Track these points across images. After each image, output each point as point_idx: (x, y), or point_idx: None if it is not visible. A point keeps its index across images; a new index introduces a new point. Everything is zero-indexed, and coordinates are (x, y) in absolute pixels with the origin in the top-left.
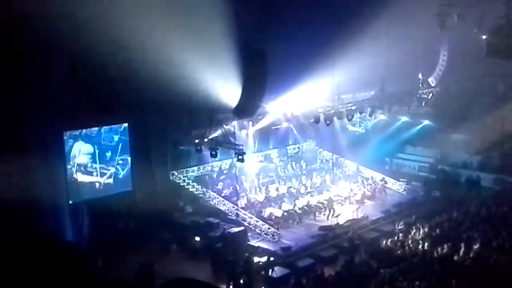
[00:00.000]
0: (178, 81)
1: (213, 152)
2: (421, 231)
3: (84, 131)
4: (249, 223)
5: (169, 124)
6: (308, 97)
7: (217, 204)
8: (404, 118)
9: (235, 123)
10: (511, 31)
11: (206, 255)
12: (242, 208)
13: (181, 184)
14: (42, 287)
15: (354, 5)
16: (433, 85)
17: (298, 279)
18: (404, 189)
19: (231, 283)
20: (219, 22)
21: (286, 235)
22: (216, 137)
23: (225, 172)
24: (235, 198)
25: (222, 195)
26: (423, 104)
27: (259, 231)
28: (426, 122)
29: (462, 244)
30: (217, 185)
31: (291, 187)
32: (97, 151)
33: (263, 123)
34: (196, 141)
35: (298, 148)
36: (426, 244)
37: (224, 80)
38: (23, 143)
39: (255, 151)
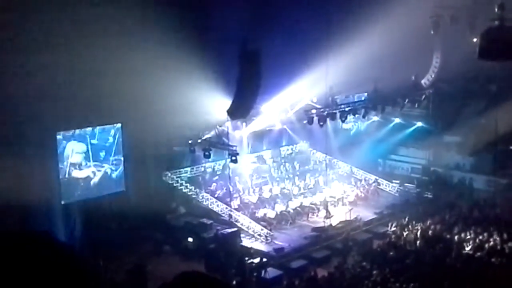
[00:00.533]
0: (171, 81)
1: (207, 153)
2: (414, 233)
3: (77, 131)
4: (242, 224)
5: (162, 125)
6: (302, 98)
7: (210, 205)
8: (397, 120)
9: (228, 124)
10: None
11: (199, 256)
12: (235, 209)
13: (174, 185)
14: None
15: (348, 6)
16: (426, 86)
17: (290, 280)
18: (397, 191)
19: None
20: (212, 22)
21: (279, 236)
22: (210, 138)
23: (218, 173)
24: (228, 199)
25: (216, 196)
26: (416, 105)
27: (252, 232)
28: (419, 123)
29: (455, 246)
30: (211, 186)
31: (284, 188)
32: (90, 150)
33: (256, 124)
34: (190, 141)
35: (292, 149)
36: (418, 246)
37: (217, 80)
38: (16, 143)
39: (249, 152)
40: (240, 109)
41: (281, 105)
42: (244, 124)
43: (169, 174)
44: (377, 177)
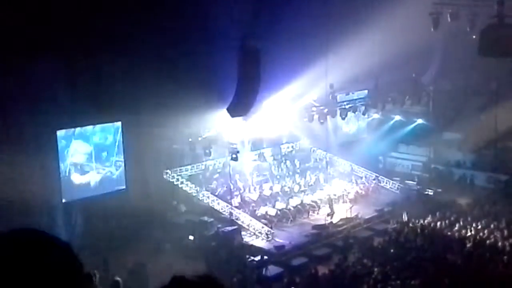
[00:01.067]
0: (172, 78)
1: (207, 151)
2: (414, 230)
3: (77, 129)
4: (243, 222)
5: (163, 123)
6: (302, 95)
7: (211, 203)
8: (398, 117)
9: (229, 121)
10: (503, 30)
11: (200, 254)
12: (236, 207)
13: (175, 183)
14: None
15: (348, 2)
16: (426, 84)
17: (291, 278)
18: (398, 188)
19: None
20: (212, 19)
21: (280, 234)
22: (210, 135)
23: (219, 171)
24: (229, 197)
25: (216, 194)
26: (417, 102)
27: (253, 230)
28: (420, 121)
29: (455, 243)
30: (211, 184)
31: (285, 186)
32: (93, 151)
33: (257, 121)
34: (190, 139)
35: (292, 147)
36: (419, 243)
37: (217, 78)
38: (16, 141)
39: (249, 150)
40: (241, 107)
41: (281, 103)
42: (244, 121)
43: (170, 172)
44: (377, 175)
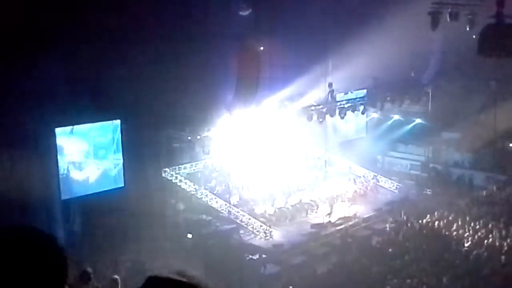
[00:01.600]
0: (171, 77)
1: (206, 149)
2: (413, 230)
3: (76, 127)
4: (241, 221)
5: (162, 121)
6: (301, 94)
7: (210, 201)
8: (396, 117)
9: (228, 119)
10: (503, 30)
11: (198, 252)
12: (234, 205)
13: (174, 181)
14: (27, 283)
15: (348, 2)
16: (425, 83)
17: (289, 276)
18: (396, 187)
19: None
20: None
21: (278, 232)
22: (209, 134)
23: (217, 169)
24: (227, 195)
25: (215, 192)
26: (415, 102)
27: (251, 229)
28: (418, 120)
29: (453, 243)
30: (210, 182)
31: (283, 184)
32: (91, 148)
33: (256, 119)
34: (189, 138)
35: (292, 146)
36: (417, 242)
37: (217, 76)
38: (15, 138)
39: (248, 148)
40: (240, 105)
41: (280, 101)
42: (243, 120)
43: (168, 171)
44: (376, 174)
